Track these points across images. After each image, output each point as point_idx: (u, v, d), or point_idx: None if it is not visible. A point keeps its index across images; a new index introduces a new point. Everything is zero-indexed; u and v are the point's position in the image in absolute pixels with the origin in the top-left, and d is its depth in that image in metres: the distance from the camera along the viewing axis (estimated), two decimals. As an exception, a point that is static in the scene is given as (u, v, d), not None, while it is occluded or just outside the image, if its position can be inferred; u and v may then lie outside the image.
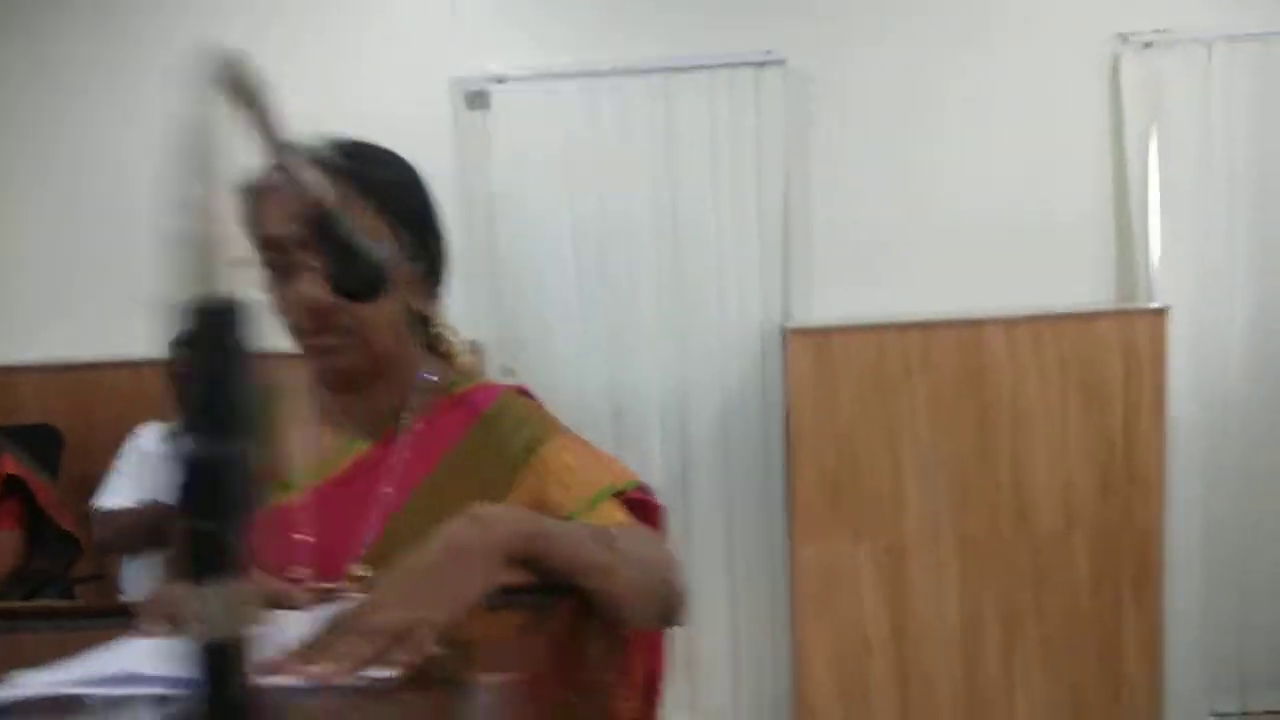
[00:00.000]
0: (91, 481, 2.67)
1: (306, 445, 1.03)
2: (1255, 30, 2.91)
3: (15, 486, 2.49)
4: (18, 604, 1.78)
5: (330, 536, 0.98)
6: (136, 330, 2.53)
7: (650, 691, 1.05)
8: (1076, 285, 3.04)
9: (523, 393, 1.10)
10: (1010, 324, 2.72)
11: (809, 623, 2.78)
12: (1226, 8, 2.94)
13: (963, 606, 2.76)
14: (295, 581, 0.95)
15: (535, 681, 0.67)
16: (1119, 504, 2.72)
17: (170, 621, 0.75)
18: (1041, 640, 2.76)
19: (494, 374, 3.09)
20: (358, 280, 0.77)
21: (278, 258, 0.95)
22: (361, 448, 1.02)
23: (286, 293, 0.95)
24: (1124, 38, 2.94)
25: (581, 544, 0.85)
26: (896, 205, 3.04)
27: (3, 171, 3.21)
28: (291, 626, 0.71)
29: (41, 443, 2.87)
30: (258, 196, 0.95)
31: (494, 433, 1.02)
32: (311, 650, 0.66)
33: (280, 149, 0.56)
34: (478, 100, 3.05)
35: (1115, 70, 2.97)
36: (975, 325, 2.73)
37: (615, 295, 3.03)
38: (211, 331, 0.36)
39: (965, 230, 3.03)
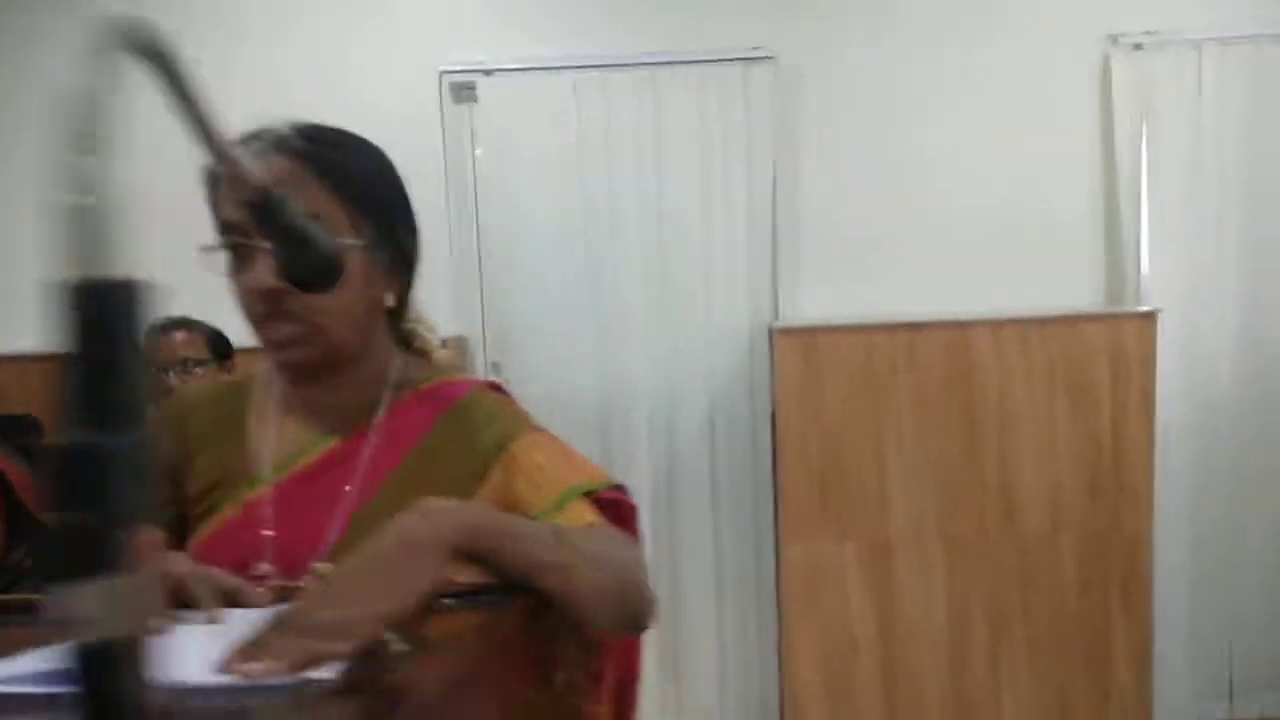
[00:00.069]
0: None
1: (272, 439, 1.01)
2: (1245, 32, 2.90)
3: (-7, 477, 2.45)
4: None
5: (294, 533, 0.96)
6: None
7: (623, 695, 1.03)
8: (1066, 286, 3.03)
9: (495, 388, 1.08)
10: (997, 325, 2.71)
11: (796, 622, 2.77)
12: (1217, 10, 2.93)
13: (949, 607, 2.75)
14: (258, 579, 0.94)
15: (483, 680, 0.65)
16: (1107, 507, 2.71)
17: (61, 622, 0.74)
18: (1028, 642, 2.75)
19: (479, 370, 3.07)
20: (307, 268, 0.74)
21: (235, 242, 0.92)
22: (330, 443, 1.00)
23: (242, 279, 0.93)
24: (1114, 39, 2.93)
25: (537, 542, 0.83)
26: (885, 203, 3.02)
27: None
28: (244, 625, 0.69)
29: (21, 433, 2.84)
30: (217, 179, 0.93)
31: (463, 428, 1.00)
32: (252, 648, 0.65)
33: (208, 128, 0.54)
34: (464, 93, 3.03)
35: (1106, 71, 2.96)
36: (963, 327, 2.72)
37: (602, 291, 3.01)
38: (97, 314, 0.34)
39: (954, 229, 3.02)
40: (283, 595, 0.82)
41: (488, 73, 3.00)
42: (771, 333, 2.86)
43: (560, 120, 2.97)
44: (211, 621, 0.76)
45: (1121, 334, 2.69)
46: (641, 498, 3.00)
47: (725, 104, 2.96)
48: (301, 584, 0.88)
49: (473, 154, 3.06)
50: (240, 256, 0.93)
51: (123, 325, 0.34)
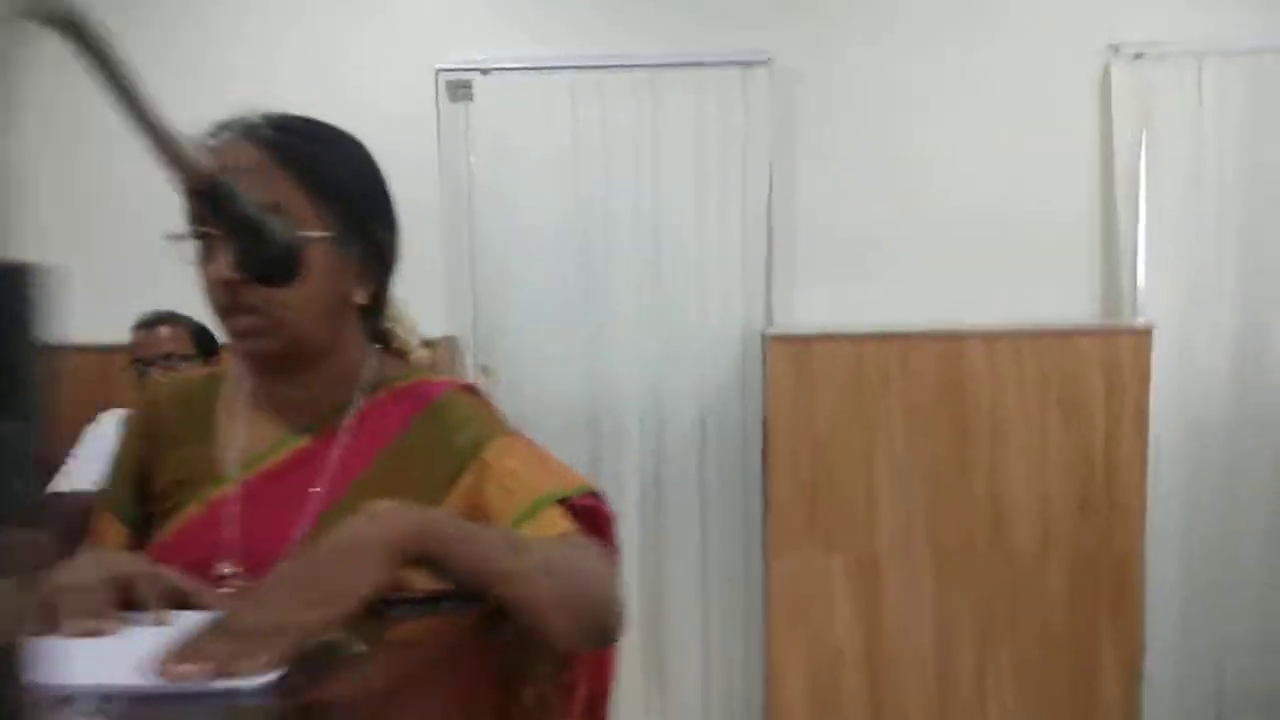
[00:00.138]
0: (53, 467, 2.62)
1: (241, 436, 0.99)
2: (1247, 44, 2.87)
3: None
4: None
5: (260, 533, 0.94)
6: (103, 316, 2.48)
7: (596, 710, 1.01)
8: (1061, 297, 3.01)
9: (470, 390, 1.06)
10: (991, 338, 2.69)
11: (782, 634, 2.74)
12: (1219, 21, 2.91)
13: (937, 622, 2.73)
14: (219, 579, 0.91)
15: (444, 692, 0.63)
16: (1098, 524, 2.68)
17: None
18: (1016, 659, 2.73)
19: (469, 371, 3.05)
20: (263, 260, 0.71)
21: (200, 232, 0.91)
22: (300, 441, 0.98)
23: (207, 270, 0.91)
24: (1115, 48, 2.91)
25: (492, 549, 0.80)
26: (882, 209, 3.00)
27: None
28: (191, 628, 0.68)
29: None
30: None
31: (435, 430, 0.97)
32: (183, 650, 0.64)
33: (141, 110, 0.51)
34: (460, 91, 3.01)
35: (1105, 81, 2.94)
36: (956, 338, 2.70)
37: (595, 294, 2.99)
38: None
39: (951, 236, 3.00)
40: (240, 598, 0.80)
41: (484, 72, 2.97)
42: (764, 339, 2.84)
43: (556, 121, 2.95)
44: (159, 624, 0.74)
45: (1116, 349, 2.67)
46: (629, 502, 2.98)
47: (722, 107, 2.94)
48: None
49: (467, 153, 3.04)
50: (206, 247, 0.91)
51: (13, 310, 0.32)
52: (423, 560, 0.76)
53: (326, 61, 3.01)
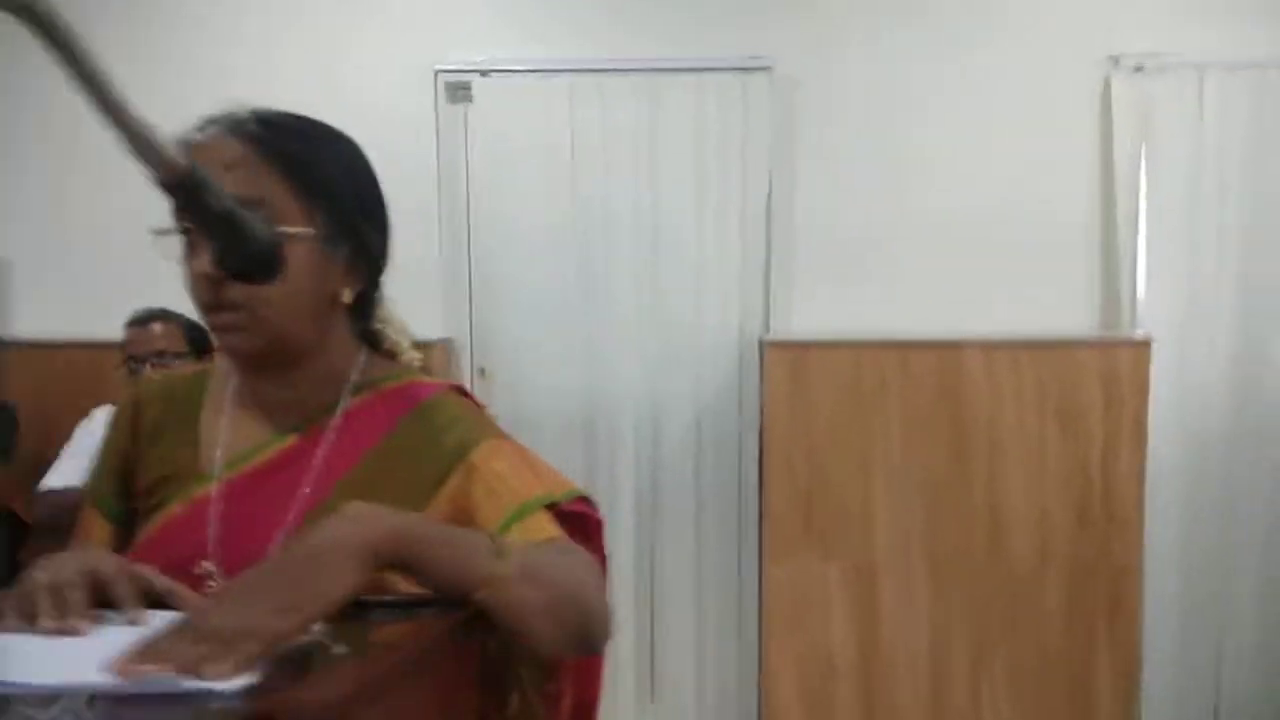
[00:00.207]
0: (46, 463, 2.61)
1: (226, 434, 0.98)
2: (1249, 58, 2.86)
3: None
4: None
5: (243, 532, 0.92)
6: (97, 311, 2.47)
7: (582, 718, 0.99)
8: (1060, 309, 2.99)
9: (459, 391, 1.04)
10: (990, 347, 2.68)
11: (777, 642, 2.73)
12: (1221, 34, 2.90)
13: (932, 631, 2.72)
14: (199, 578, 0.90)
15: (422, 699, 0.61)
16: (1096, 536, 2.67)
17: None
18: (1011, 670, 2.71)
19: (467, 374, 3.03)
20: (242, 256, 0.70)
21: (184, 227, 0.89)
22: (286, 441, 0.97)
23: (190, 265, 0.90)
24: (1115, 60, 2.90)
25: (474, 553, 0.79)
26: (881, 216, 2.99)
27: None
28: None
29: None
30: None
31: (423, 431, 0.96)
32: (145, 650, 0.63)
33: (109, 103, 0.50)
34: (460, 93, 2.99)
35: (1106, 93, 2.93)
36: (954, 347, 2.69)
37: (592, 297, 2.97)
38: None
39: (951, 244, 2.98)
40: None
41: (484, 73, 2.96)
42: (762, 345, 2.83)
43: (556, 123, 2.94)
44: (133, 623, 0.72)
45: (1115, 361, 2.66)
46: (625, 506, 2.96)
47: (722, 112, 2.93)
48: None
49: (466, 155, 3.02)
50: (189, 242, 0.90)
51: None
52: (399, 564, 0.75)
53: (326, 62, 3.00)
